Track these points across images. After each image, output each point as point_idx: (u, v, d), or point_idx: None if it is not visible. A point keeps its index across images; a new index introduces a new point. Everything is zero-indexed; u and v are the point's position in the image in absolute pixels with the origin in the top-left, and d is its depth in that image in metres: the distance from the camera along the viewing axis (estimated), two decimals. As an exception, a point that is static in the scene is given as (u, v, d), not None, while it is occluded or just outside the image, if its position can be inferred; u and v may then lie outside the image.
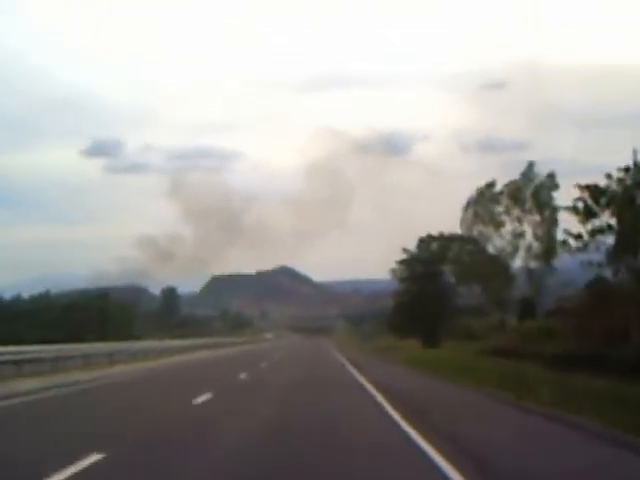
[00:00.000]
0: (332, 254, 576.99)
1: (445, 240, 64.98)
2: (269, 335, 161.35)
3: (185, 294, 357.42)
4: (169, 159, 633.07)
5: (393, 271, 66.92)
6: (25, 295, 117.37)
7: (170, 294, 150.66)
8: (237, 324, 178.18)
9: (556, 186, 56.30)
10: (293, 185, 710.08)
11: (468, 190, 59.27)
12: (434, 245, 65.69)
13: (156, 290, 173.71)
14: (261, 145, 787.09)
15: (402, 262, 66.76)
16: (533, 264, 55.30)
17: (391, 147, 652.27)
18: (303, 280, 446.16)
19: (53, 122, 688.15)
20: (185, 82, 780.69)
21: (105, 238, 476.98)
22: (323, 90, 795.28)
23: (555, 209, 53.00)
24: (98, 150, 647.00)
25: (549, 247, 53.09)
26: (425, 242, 66.01)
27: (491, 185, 58.76)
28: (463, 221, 57.87)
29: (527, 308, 46.98)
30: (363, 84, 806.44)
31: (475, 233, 58.21)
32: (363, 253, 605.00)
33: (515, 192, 55.40)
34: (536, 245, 55.13)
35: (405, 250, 66.12)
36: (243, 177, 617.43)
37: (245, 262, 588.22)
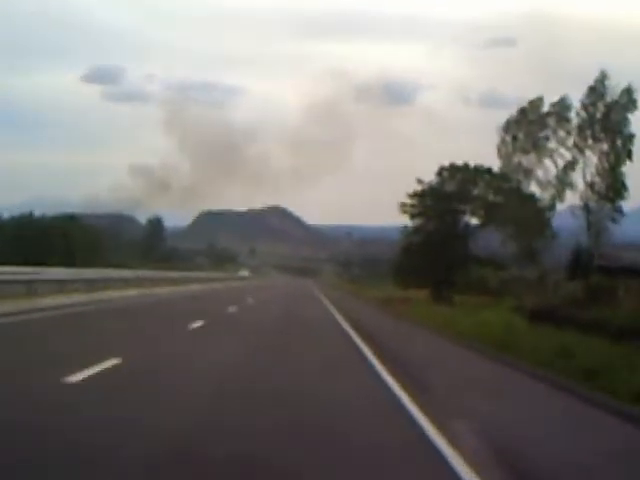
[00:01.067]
0: (326, 197, 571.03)
1: (471, 173, 53.34)
2: (244, 272, 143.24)
3: (173, 227, 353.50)
4: (170, 90, 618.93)
5: (402, 206, 53.48)
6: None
7: (156, 224, 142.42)
8: (222, 259, 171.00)
9: (634, 104, 44.40)
10: (294, 126, 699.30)
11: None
12: (456, 178, 53.69)
13: (145, 220, 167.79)
14: (264, 83, 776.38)
15: (415, 195, 53.64)
16: (591, 205, 43.51)
17: (395, 95, 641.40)
18: (295, 221, 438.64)
19: (54, 45, 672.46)
20: (192, 14, 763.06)
21: (101, 165, 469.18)
22: (331, 33, 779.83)
23: (630, 137, 43.45)
24: (98, 76, 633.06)
25: (616, 185, 41.99)
26: (448, 171, 53.19)
27: (537, 102, 46.93)
28: (499, 150, 46.26)
29: (580, 261, 36.15)
30: (372, 31, 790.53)
31: (511, 165, 46.71)
32: (357, 199, 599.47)
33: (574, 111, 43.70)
34: (598, 181, 42.86)
35: (420, 181, 53.74)
36: (243, 113, 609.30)
37: (237, 199, 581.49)
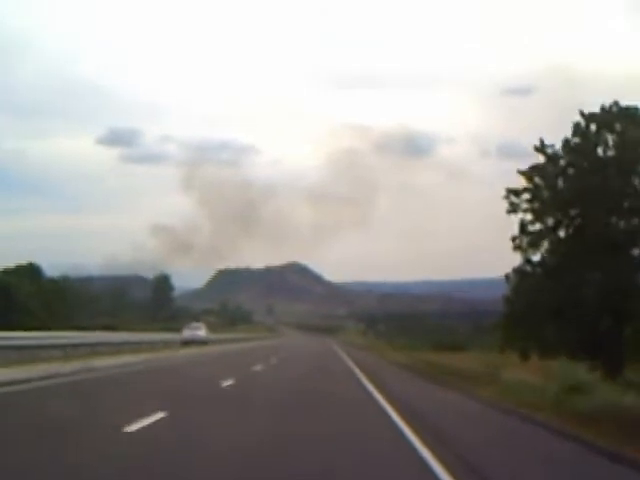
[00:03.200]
0: (345, 254, 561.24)
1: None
2: (198, 331, 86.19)
3: (189, 287, 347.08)
4: (186, 150, 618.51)
5: (510, 194, 26.92)
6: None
7: (163, 283, 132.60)
8: (235, 319, 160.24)
9: None
10: (312, 181, 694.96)
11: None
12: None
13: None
14: (280, 140, 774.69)
15: (534, 170, 26.90)
16: None
17: (413, 148, 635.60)
18: (314, 278, 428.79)
19: (71, 110, 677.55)
20: (206, 75, 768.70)
21: (119, 227, 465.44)
22: (347, 89, 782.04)
23: None
24: (115, 139, 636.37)
25: None
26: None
27: None
28: None
29: None
30: (389, 84, 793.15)
31: None
32: (377, 255, 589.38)
33: None
34: None
35: (541, 148, 26.91)
36: (262, 170, 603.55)
37: (255, 257, 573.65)
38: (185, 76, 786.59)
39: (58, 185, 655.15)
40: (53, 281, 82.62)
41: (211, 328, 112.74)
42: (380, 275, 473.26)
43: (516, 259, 26.69)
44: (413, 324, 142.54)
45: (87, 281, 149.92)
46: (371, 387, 22.28)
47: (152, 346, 49.28)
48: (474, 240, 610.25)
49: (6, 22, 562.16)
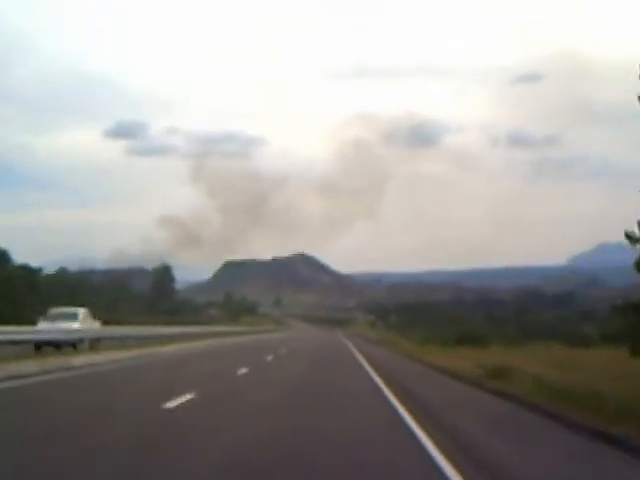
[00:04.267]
0: (352, 244, 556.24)
1: None
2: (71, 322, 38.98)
3: (196, 280, 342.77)
4: (193, 143, 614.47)
5: None
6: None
7: (163, 274, 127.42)
8: (239, 311, 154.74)
9: None
10: (319, 172, 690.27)
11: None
12: None
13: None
14: (288, 131, 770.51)
15: None
16: None
17: (422, 137, 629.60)
18: (321, 268, 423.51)
19: (77, 103, 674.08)
20: (213, 66, 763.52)
21: (127, 219, 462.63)
22: (355, 78, 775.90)
23: None
24: (122, 132, 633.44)
25: None
26: None
27: None
28: None
29: None
30: (397, 73, 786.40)
31: None
32: (385, 245, 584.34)
33: None
34: None
35: None
36: (269, 162, 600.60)
37: (262, 248, 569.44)
38: (191, 68, 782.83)
39: (65, 179, 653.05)
40: (25, 269, 76.63)
41: (213, 321, 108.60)
42: (389, 265, 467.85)
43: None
44: (425, 315, 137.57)
45: (90, 274, 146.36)
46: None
47: (138, 341, 43.93)
48: (484, 229, 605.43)
49: (12, 17, 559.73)
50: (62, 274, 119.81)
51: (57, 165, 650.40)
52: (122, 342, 41.10)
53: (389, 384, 19.34)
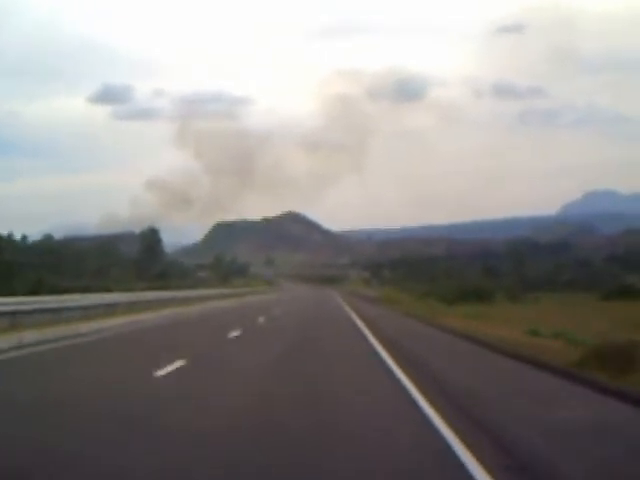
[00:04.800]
0: (342, 201, 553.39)
1: None
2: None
3: (186, 243, 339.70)
4: (179, 104, 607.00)
5: None
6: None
7: (150, 237, 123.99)
8: (230, 273, 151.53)
9: None
10: (306, 130, 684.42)
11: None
12: None
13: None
14: (274, 89, 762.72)
15: None
16: None
17: (407, 91, 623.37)
18: (312, 227, 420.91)
19: (62, 68, 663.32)
20: (196, 28, 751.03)
21: (116, 184, 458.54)
22: (336, 33, 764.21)
23: None
24: (106, 96, 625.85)
25: None
26: None
27: None
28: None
29: None
30: (380, 31, 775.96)
31: None
32: (375, 201, 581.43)
33: None
34: None
35: None
36: (255, 121, 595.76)
37: (251, 208, 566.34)
38: (175, 31, 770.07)
39: (52, 145, 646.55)
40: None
41: (202, 284, 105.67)
42: (380, 222, 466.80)
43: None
44: (419, 269, 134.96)
45: (76, 240, 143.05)
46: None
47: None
48: (472, 182, 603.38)
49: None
50: (47, 242, 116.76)
51: (44, 132, 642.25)
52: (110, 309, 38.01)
53: (433, 394, 10.39)
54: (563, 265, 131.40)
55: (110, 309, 37.30)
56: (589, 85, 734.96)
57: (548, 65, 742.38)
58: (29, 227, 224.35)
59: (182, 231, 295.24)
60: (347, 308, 47.22)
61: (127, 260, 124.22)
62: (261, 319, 31.41)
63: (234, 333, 22.54)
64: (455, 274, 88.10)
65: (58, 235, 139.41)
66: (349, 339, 21.71)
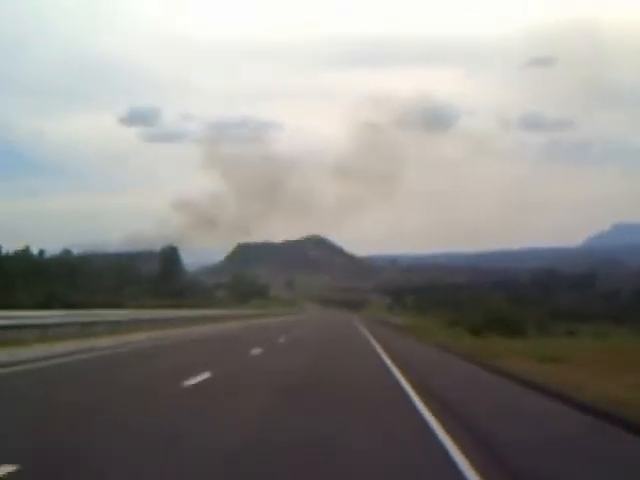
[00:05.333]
0: (366, 226, 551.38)
1: None
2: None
3: (208, 263, 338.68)
4: (207, 128, 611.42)
5: None
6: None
7: (170, 255, 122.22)
8: (249, 293, 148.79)
9: None
10: (333, 155, 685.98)
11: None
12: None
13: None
14: (302, 115, 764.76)
15: None
16: None
17: (436, 120, 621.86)
18: (335, 251, 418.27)
19: (93, 89, 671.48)
20: (226, 52, 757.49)
21: (142, 206, 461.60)
22: (366, 60, 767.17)
23: None
24: (136, 118, 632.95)
25: None
26: None
27: None
28: None
29: None
30: (408, 56, 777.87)
31: None
32: (399, 226, 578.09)
33: None
34: None
35: None
36: (283, 146, 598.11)
37: (275, 231, 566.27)
38: (204, 54, 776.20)
39: (80, 165, 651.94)
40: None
41: (219, 304, 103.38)
42: (404, 248, 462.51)
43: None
44: (443, 297, 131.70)
45: (94, 257, 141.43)
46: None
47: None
48: (499, 212, 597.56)
49: (24, 3, 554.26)
50: (64, 256, 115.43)
51: (73, 152, 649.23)
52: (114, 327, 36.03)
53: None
54: (590, 297, 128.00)
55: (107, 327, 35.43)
56: (618, 118, 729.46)
57: (578, 97, 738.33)
58: (52, 243, 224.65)
59: (205, 251, 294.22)
60: (370, 338, 38.45)
61: (145, 278, 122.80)
62: (255, 350, 28.63)
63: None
64: (479, 302, 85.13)
65: (78, 251, 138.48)
66: (375, 398, 13.01)
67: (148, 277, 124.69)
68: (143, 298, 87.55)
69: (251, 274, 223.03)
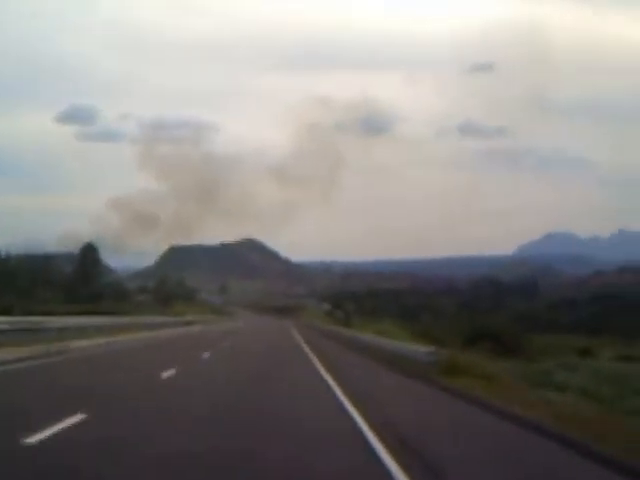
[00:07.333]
0: (302, 231, 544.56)
1: None
2: None
3: (139, 266, 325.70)
4: (145, 128, 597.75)
5: None
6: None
7: (87, 255, 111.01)
8: (173, 297, 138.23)
9: None
10: (270, 159, 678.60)
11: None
12: None
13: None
14: (241, 117, 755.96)
15: None
16: None
17: (374, 125, 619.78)
18: (271, 255, 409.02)
19: (27, 86, 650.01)
20: (165, 53, 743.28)
21: (77, 204, 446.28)
22: (306, 63, 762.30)
23: None
24: (74, 117, 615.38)
25: None
26: None
27: None
28: None
29: None
30: (348, 59, 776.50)
31: None
32: (335, 232, 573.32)
33: None
34: None
35: None
36: (220, 148, 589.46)
37: (209, 233, 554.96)
38: (144, 54, 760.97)
39: (16, 164, 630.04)
40: None
41: (137, 310, 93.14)
42: (339, 254, 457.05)
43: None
44: (386, 303, 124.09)
45: (8, 259, 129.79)
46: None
47: None
48: (434, 219, 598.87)
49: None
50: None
51: (8, 151, 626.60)
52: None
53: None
54: (538, 306, 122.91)
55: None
56: (556, 128, 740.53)
57: (516, 105, 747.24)
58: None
59: (139, 255, 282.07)
60: (323, 372, 22.54)
61: (61, 281, 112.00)
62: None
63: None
64: (436, 311, 77.36)
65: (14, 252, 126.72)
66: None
67: (63, 279, 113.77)
68: (55, 303, 78.14)
69: (180, 277, 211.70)
